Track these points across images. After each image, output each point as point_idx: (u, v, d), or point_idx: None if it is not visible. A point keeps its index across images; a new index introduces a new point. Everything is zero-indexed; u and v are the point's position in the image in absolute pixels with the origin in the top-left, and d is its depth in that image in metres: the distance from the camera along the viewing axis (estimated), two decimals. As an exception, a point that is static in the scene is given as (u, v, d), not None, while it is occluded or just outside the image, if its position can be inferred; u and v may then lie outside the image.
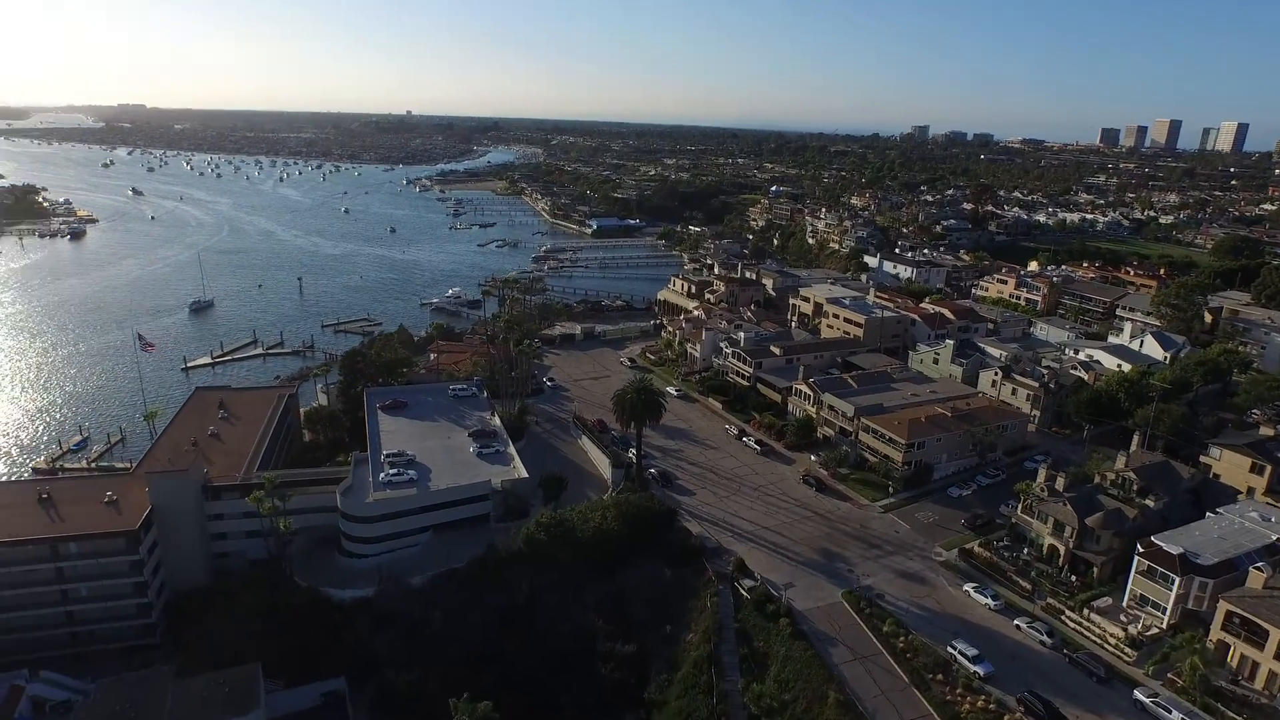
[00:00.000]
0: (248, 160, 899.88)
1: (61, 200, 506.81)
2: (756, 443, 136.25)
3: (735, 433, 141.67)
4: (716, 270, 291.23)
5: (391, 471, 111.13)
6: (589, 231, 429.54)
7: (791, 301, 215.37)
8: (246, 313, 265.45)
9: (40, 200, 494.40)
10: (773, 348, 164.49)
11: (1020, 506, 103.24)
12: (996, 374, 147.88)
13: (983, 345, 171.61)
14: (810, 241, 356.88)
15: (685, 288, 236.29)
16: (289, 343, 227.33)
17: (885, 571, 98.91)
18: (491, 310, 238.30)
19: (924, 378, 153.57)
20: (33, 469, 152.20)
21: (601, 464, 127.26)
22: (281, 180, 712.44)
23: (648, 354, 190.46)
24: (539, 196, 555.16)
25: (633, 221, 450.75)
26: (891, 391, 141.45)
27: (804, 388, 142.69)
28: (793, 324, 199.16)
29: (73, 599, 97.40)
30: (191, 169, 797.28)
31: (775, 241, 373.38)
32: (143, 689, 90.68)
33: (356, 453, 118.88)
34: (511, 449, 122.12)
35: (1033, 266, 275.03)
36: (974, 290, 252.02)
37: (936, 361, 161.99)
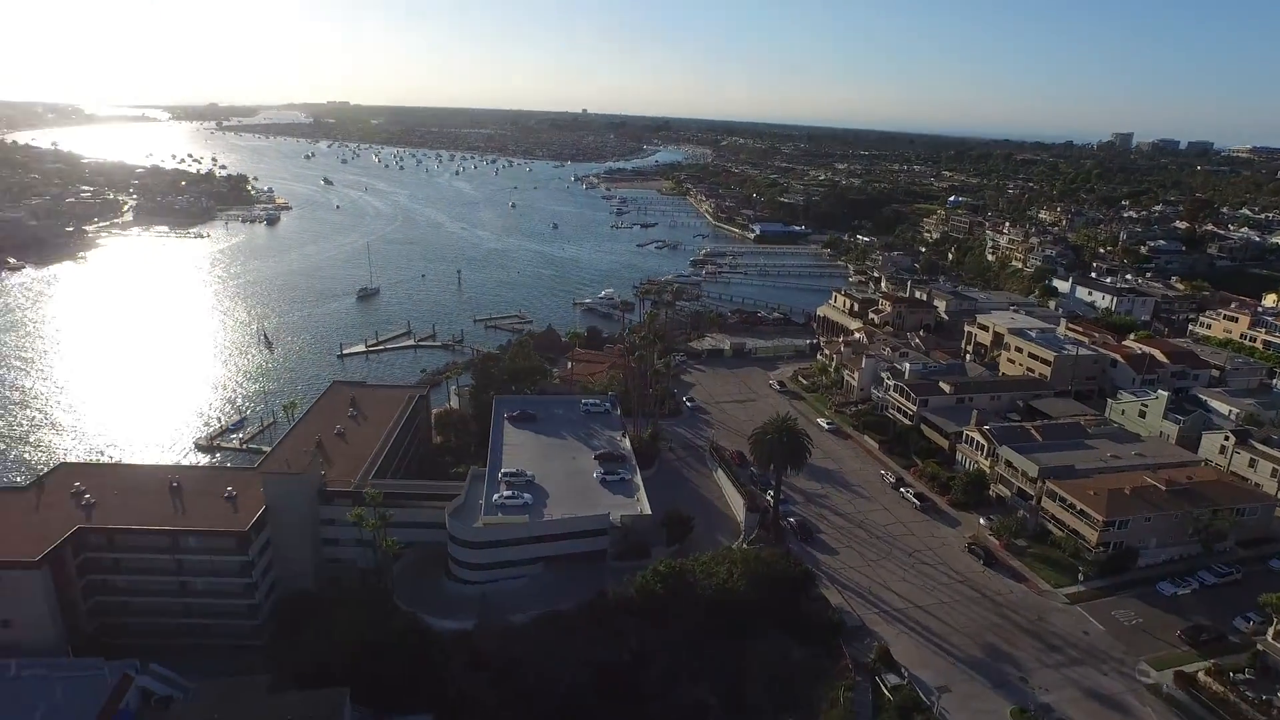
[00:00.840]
0: (429, 154, 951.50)
1: (266, 188, 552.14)
2: (916, 496, 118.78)
3: (891, 480, 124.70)
4: (883, 285, 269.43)
5: (506, 494, 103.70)
6: (751, 236, 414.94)
7: (966, 328, 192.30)
8: (408, 302, 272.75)
9: (249, 188, 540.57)
10: (942, 383, 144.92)
11: (1273, 630, 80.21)
12: (1228, 438, 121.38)
13: (1206, 398, 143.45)
14: (990, 258, 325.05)
15: (848, 304, 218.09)
16: (440, 335, 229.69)
17: (1069, 687, 79.97)
18: (644, 314, 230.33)
19: (1127, 434, 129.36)
20: (194, 443, 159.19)
21: (735, 504, 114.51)
22: (457, 174, 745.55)
23: (800, 377, 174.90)
24: (703, 198, 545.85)
25: (798, 228, 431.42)
26: (1086, 450, 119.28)
27: (977, 435, 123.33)
28: (966, 355, 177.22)
29: (190, 591, 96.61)
30: (379, 161, 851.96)
31: (950, 256, 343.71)
32: (235, 698, 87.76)
33: (475, 467, 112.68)
34: (638, 478, 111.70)
35: (1270, 301, 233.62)
36: (1191, 327, 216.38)
37: (1144, 415, 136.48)
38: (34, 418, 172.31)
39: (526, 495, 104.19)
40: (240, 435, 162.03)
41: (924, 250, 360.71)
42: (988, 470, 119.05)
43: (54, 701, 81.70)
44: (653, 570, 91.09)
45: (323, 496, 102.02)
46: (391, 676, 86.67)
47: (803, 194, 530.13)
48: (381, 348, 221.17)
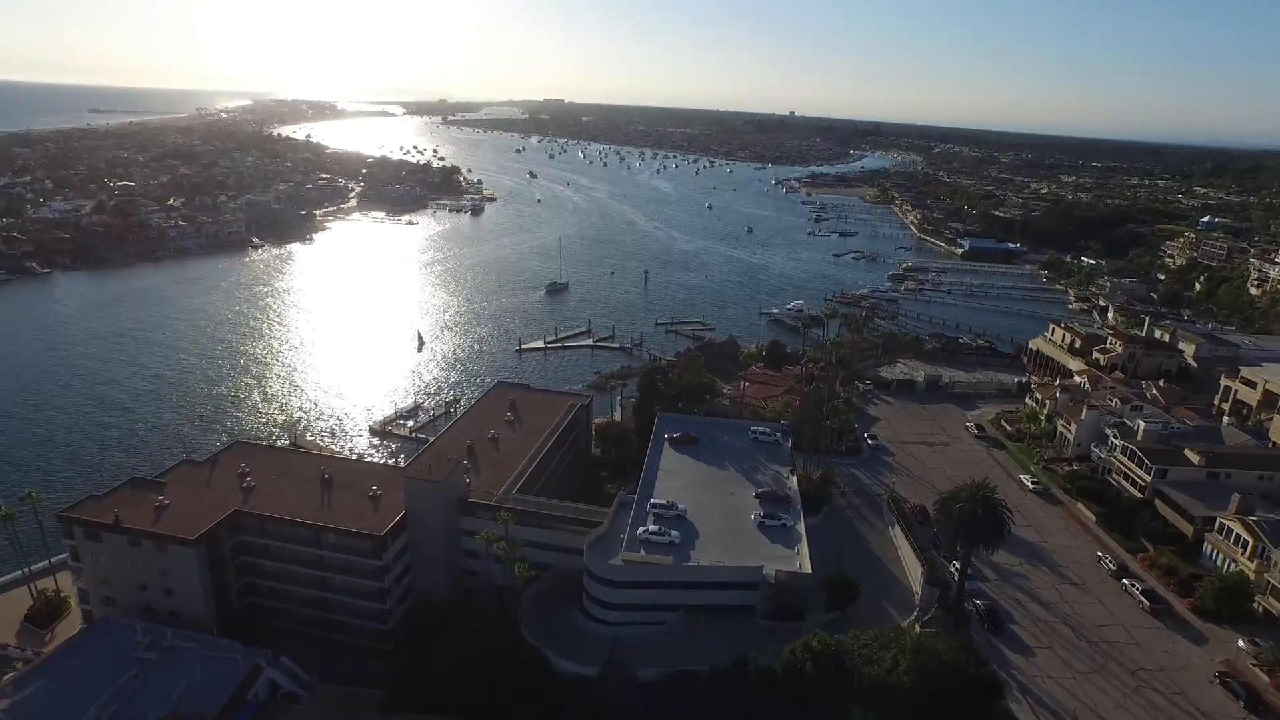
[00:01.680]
0: (633, 152, 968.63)
1: (475, 180, 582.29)
2: (1145, 593, 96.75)
3: (1112, 567, 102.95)
4: (1110, 317, 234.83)
5: (653, 528, 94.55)
6: (959, 252, 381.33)
7: (1223, 382, 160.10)
8: (593, 300, 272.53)
9: (461, 179, 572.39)
10: (1188, 451, 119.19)
11: None
12: None
13: None
14: (1254, 292, 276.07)
15: (1067, 339, 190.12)
16: (620, 337, 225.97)
17: None
18: (834, 332, 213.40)
19: None
20: (369, 426, 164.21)
21: (912, 570, 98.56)
22: (658, 172, 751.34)
23: (1004, 422, 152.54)
24: (909, 208, 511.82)
25: (1012, 245, 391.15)
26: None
27: (1236, 525, 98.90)
28: (1224, 417, 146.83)
29: (328, 586, 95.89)
30: (584, 157, 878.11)
31: (1198, 287, 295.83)
32: (350, 709, 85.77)
33: (623, 493, 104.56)
34: (801, 526, 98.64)
35: None
36: None
37: None
38: (246, 384, 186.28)
39: (674, 532, 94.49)
40: (412, 423, 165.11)
41: (1164, 279, 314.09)
42: (1252, 575, 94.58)
43: (194, 678, 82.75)
44: (804, 644, 78.31)
45: (463, 506, 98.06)
46: (506, 715, 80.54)
47: (1021, 208, 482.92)
48: (560, 345, 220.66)
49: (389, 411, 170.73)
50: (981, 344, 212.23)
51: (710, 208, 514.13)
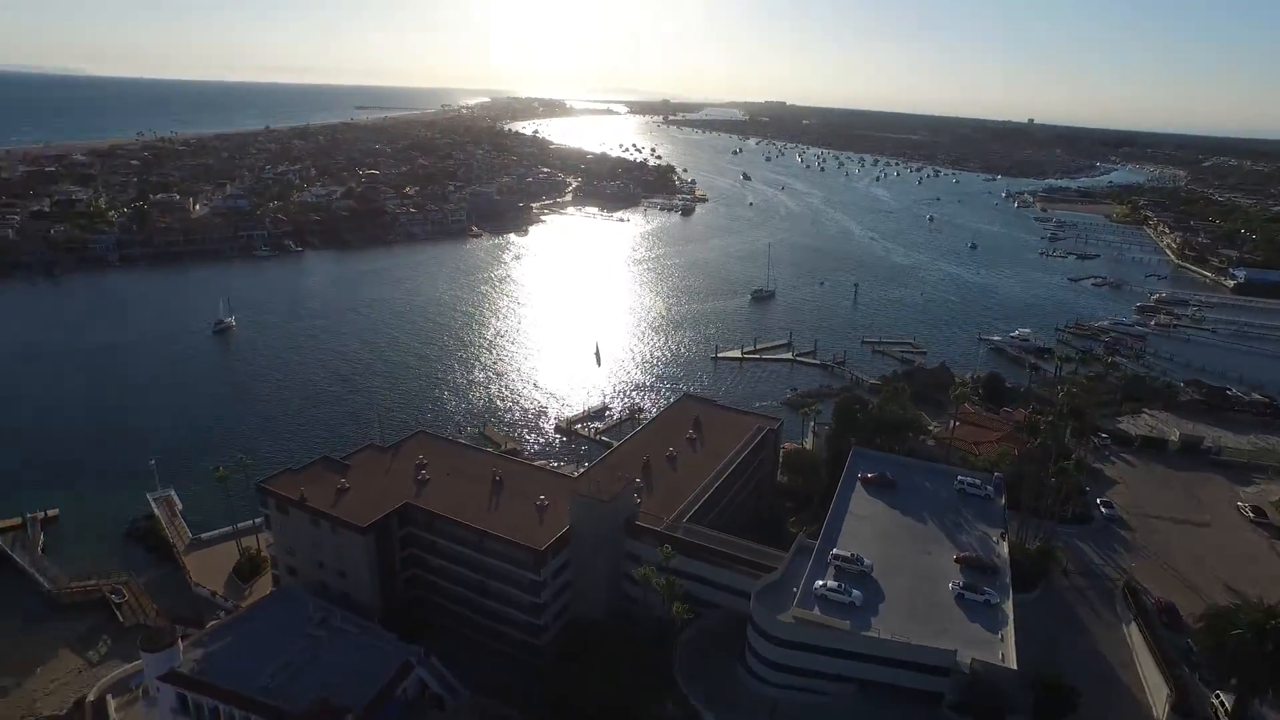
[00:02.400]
0: (852, 157, 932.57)
1: (689, 180, 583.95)
2: None
3: None
4: None
5: (832, 584, 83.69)
6: (1230, 284, 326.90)
7: None
8: (798, 311, 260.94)
9: (674, 178, 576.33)
10: None
11: None
12: None
13: None
14: None
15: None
16: (822, 352, 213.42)
17: None
18: (1066, 369, 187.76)
19: None
20: (555, 423, 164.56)
21: (1154, 690, 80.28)
22: (877, 180, 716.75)
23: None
24: (1166, 230, 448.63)
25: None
26: None
27: None
28: None
29: (487, 592, 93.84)
30: (801, 161, 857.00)
31: None
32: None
33: (803, 536, 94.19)
34: (1009, 606, 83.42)
35: None
36: None
37: None
38: (450, 366, 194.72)
39: (856, 592, 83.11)
40: (598, 425, 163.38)
41: None
42: None
43: (350, 664, 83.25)
44: (1004, 760, 64.83)
45: (630, 529, 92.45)
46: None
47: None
48: (757, 357, 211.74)
49: (577, 410, 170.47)
50: (1258, 398, 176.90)
51: (931, 220, 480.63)
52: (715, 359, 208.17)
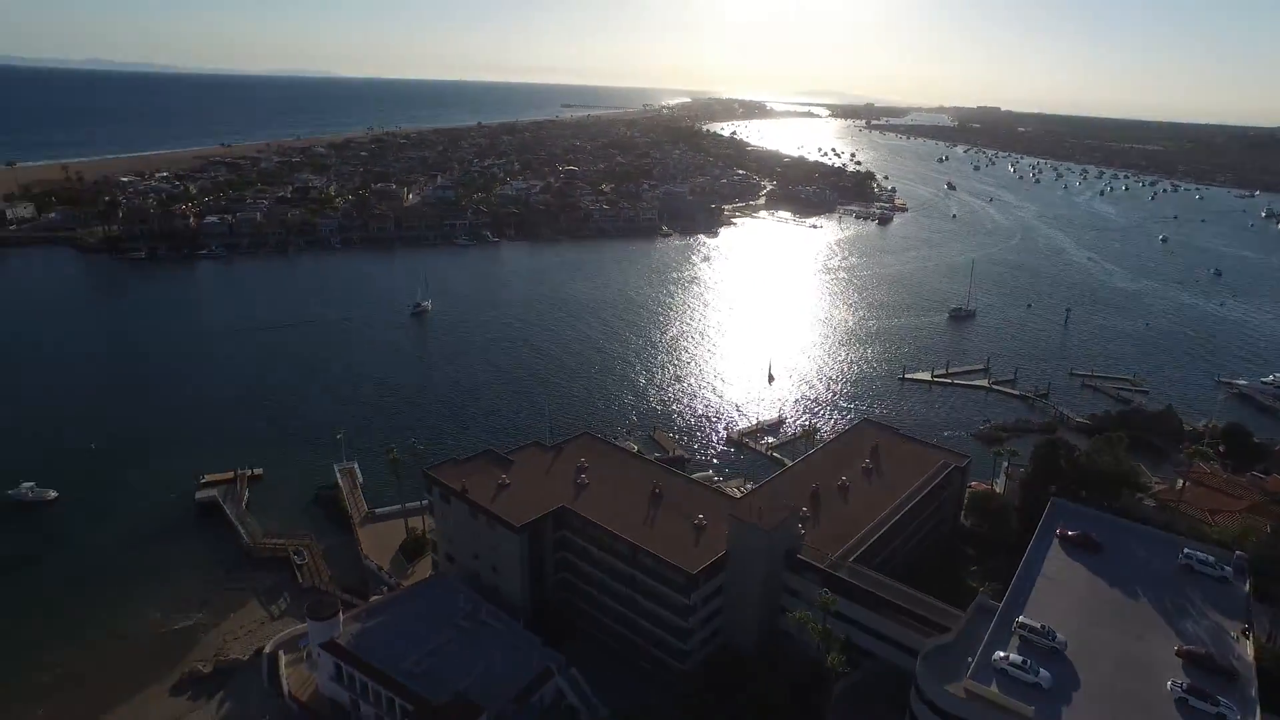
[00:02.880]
0: (1073, 169, 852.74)
1: (889, 188, 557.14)
2: None
3: None
4: None
5: (1016, 658, 72.59)
6: None
7: None
8: (1000, 334, 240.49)
9: (873, 186, 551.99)
10: None
11: None
12: None
13: None
14: None
15: None
16: (1022, 382, 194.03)
17: None
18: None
19: None
20: (726, 433, 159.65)
21: None
22: (1101, 194, 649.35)
23: None
24: None
25: None
26: None
27: None
28: None
29: (635, 607, 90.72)
30: (1013, 171, 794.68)
31: None
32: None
33: (983, 595, 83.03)
34: None
35: None
36: None
37: None
38: (627, 362, 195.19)
39: (1044, 672, 71.58)
40: (770, 439, 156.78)
41: None
42: None
43: (492, 662, 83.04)
44: None
45: (790, 562, 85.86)
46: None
47: None
48: (949, 380, 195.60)
49: (750, 422, 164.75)
50: None
51: (1165, 241, 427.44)
52: (902, 380, 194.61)
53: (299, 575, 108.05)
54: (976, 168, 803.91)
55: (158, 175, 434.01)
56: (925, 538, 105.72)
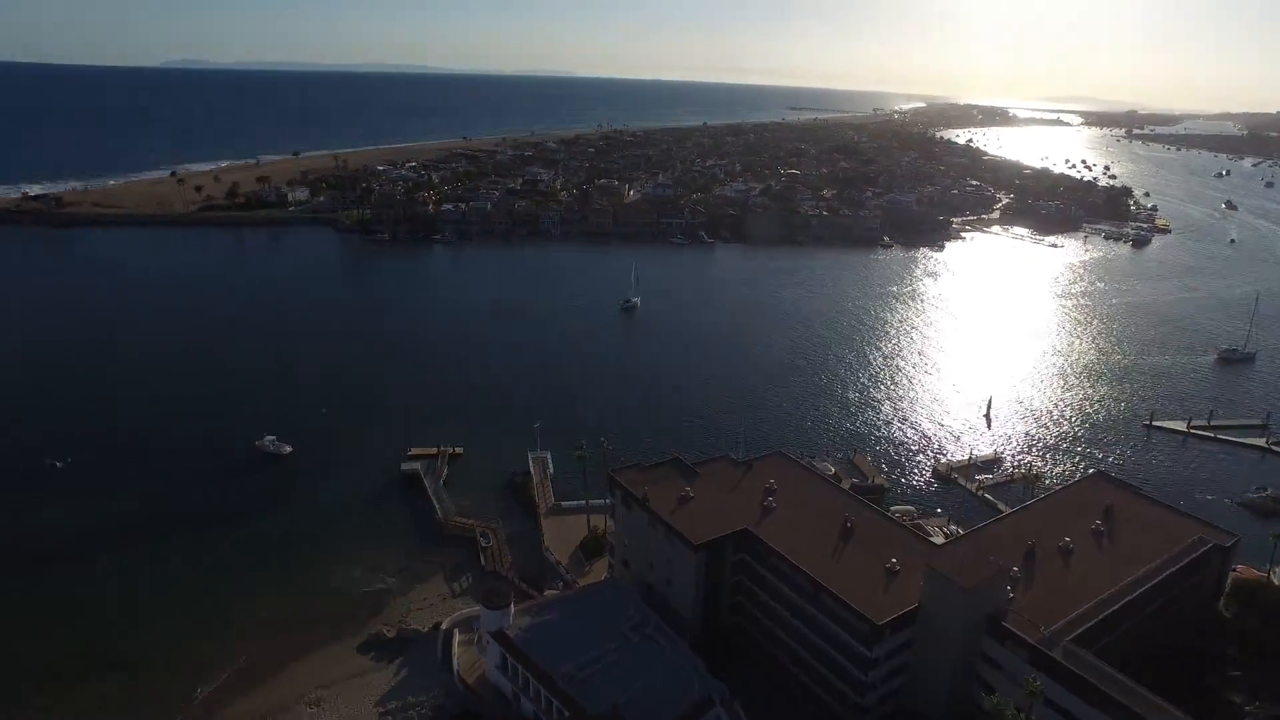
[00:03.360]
0: None
1: (1148, 206, 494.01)
2: None
3: None
4: None
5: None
6: None
7: None
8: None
9: (1129, 203, 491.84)
10: None
11: None
12: None
13: None
14: None
15: None
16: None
17: None
18: None
19: None
20: (934, 467, 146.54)
21: None
22: None
23: None
24: None
25: None
26: None
27: None
28: None
29: (809, 647, 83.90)
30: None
31: None
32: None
33: (1257, 715, 67.92)
34: None
35: None
36: None
37: None
38: (834, 383, 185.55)
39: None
40: (983, 478, 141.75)
41: None
42: None
43: (652, 680, 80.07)
44: None
45: (992, 628, 75.23)
46: None
47: None
48: (1211, 435, 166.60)
49: (962, 456, 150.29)
50: None
51: None
52: (1149, 427, 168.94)
53: (482, 558, 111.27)
54: (1269, 184, 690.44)
55: (407, 165, 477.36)
56: (1168, 626, 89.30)
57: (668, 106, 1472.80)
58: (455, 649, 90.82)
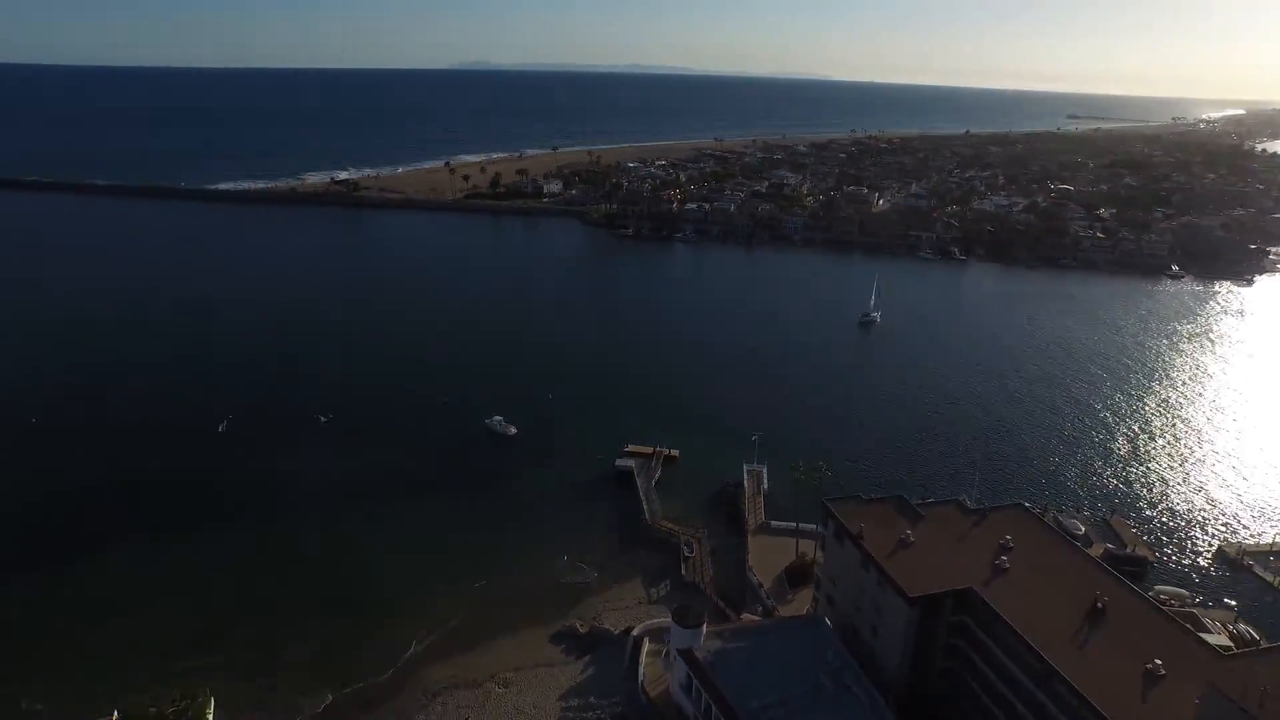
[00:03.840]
0: None
1: None
2: None
3: None
4: None
5: None
6: None
7: None
8: None
9: None
10: None
11: None
12: None
13: None
14: None
15: None
16: None
17: None
18: None
19: None
20: (1220, 546, 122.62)
21: None
22: None
23: None
24: None
25: None
26: None
27: None
28: None
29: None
30: None
31: None
32: None
33: None
34: None
35: None
36: None
37: None
38: (1095, 427, 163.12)
39: None
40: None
41: None
42: None
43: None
44: None
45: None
46: None
47: None
48: None
49: (1261, 537, 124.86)
50: None
51: None
52: None
53: (683, 567, 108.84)
54: None
55: (657, 163, 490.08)
56: None
57: (925, 112, 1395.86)
58: (643, 658, 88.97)
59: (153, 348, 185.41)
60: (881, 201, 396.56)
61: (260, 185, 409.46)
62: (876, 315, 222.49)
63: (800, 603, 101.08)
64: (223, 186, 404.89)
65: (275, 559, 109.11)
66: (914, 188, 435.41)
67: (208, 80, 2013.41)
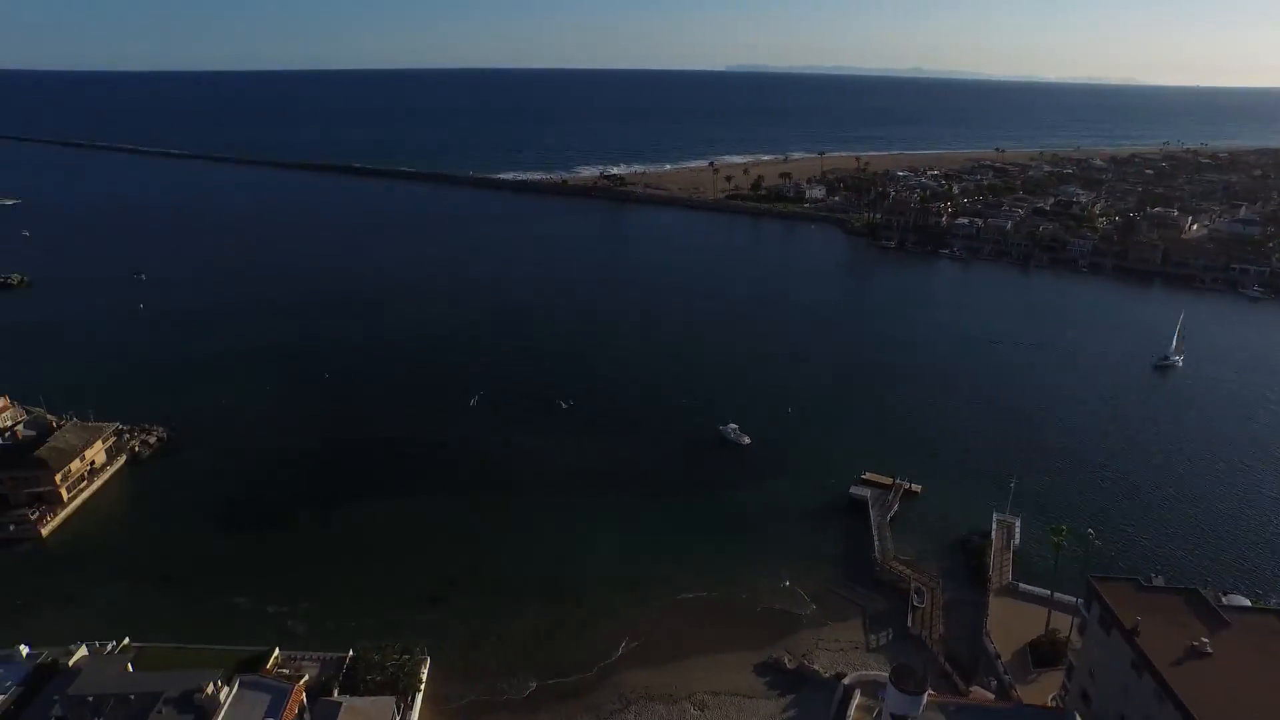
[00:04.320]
0: None
1: None
2: None
3: None
4: None
5: None
6: None
7: None
8: None
9: None
10: None
11: None
12: None
13: None
14: None
15: None
16: None
17: None
18: None
19: None
20: None
21: None
22: None
23: None
24: None
25: None
26: None
27: None
28: None
29: None
30: None
31: None
32: None
33: None
34: None
35: None
36: None
37: None
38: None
39: None
40: None
41: None
42: None
43: None
44: None
45: None
46: None
47: None
48: None
49: None
50: None
51: None
52: None
53: (910, 618, 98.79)
54: None
55: (929, 173, 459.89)
56: None
57: (1269, 121, 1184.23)
58: (851, 712, 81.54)
59: (433, 317, 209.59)
60: (1195, 226, 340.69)
61: (536, 176, 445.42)
62: (1178, 359, 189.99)
63: (1045, 687, 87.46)
64: (503, 176, 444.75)
65: (502, 535, 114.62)
66: (1243, 212, 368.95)
67: (456, 79, 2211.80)
